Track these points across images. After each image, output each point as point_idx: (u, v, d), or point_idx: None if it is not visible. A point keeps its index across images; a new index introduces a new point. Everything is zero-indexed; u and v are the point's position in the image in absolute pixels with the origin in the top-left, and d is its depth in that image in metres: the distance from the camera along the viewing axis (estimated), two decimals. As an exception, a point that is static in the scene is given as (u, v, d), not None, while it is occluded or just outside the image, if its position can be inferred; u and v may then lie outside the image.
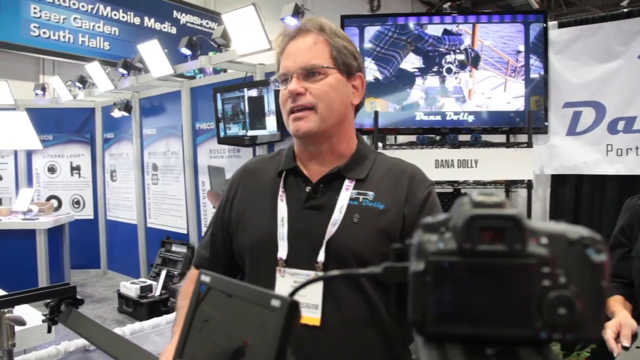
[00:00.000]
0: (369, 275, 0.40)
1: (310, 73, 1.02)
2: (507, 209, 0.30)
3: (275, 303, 0.53)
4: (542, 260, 0.30)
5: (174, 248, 5.04)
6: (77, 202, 6.12)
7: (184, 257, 4.85)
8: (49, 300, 1.55)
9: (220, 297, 0.63)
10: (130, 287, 4.54)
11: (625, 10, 2.79)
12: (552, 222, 0.33)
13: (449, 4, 11.33)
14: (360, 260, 0.99)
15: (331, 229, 1.00)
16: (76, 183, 6.11)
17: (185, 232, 5.02)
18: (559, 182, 2.97)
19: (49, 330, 1.58)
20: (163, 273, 4.74)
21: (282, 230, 1.02)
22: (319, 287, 0.99)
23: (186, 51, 4.00)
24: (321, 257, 0.99)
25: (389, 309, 1.04)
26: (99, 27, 6.79)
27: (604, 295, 0.30)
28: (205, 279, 0.67)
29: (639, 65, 2.70)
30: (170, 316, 2.21)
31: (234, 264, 1.15)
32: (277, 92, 4.11)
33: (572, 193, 2.91)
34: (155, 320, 2.17)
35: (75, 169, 6.09)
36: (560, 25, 2.92)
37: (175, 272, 4.81)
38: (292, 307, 0.52)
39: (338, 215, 1.01)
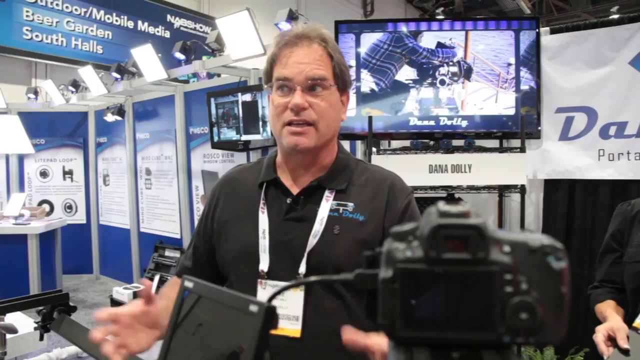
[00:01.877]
0: (342, 281, 0.41)
1: (312, 87, 1.01)
2: (471, 218, 0.31)
3: (253, 308, 0.54)
4: (504, 267, 0.31)
5: (167, 253, 5.01)
6: (70, 207, 6.08)
7: (177, 262, 4.83)
8: (41, 308, 1.54)
9: (202, 302, 0.64)
10: (123, 293, 4.52)
11: (616, 17, 2.83)
12: (517, 230, 0.34)
13: (442, 9, 11.41)
14: (340, 272, 0.98)
15: (312, 241, 1.00)
16: (68, 187, 6.07)
17: (178, 236, 4.99)
18: (552, 187, 2.99)
19: (41, 338, 1.57)
20: (156, 278, 4.71)
21: (264, 243, 1.03)
22: (299, 298, 0.99)
23: (180, 56, 4.00)
24: (302, 268, 1.00)
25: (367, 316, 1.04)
26: (92, 30, 6.77)
27: (564, 300, 0.32)
28: (189, 284, 0.67)
29: (629, 71, 2.73)
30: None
31: (217, 275, 1.14)
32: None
33: (565, 198, 2.93)
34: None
35: (67, 174, 6.05)
36: (553, 31, 2.95)
37: (169, 277, 4.79)
38: (268, 312, 0.53)
39: (319, 226, 1.01)
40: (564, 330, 0.32)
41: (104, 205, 5.98)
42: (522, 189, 2.81)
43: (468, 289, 0.31)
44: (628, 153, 2.74)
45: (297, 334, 0.97)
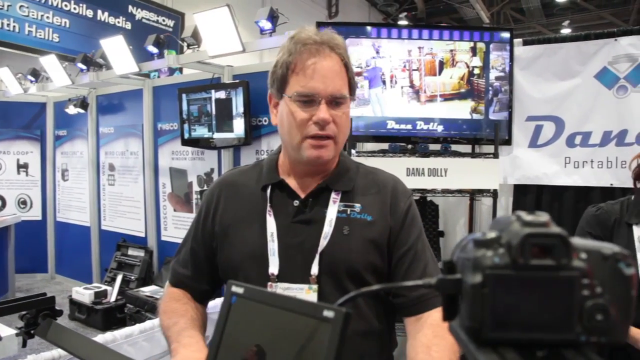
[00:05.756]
0: (426, 287, 0.43)
1: (335, 101, 1.01)
2: (554, 227, 0.34)
3: (328, 314, 0.54)
4: (582, 272, 0.34)
5: (131, 252, 4.85)
6: (24, 202, 5.76)
7: (141, 262, 4.68)
8: (24, 312, 1.46)
9: (257, 309, 0.62)
10: (84, 293, 4.32)
11: (583, 33, 2.99)
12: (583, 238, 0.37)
13: (405, 14, 11.64)
14: (352, 271, 1.02)
15: (323, 242, 1.01)
16: (23, 182, 5.75)
17: (143, 235, 4.85)
18: (521, 192, 3.12)
19: (24, 345, 1.49)
20: (119, 278, 4.55)
21: (273, 246, 1.03)
22: (312, 299, 1.00)
23: (153, 49, 3.88)
24: (314, 270, 1.01)
25: (392, 318, 1.09)
26: (47, 17, 6.41)
27: (632, 303, 0.35)
28: (238, 290, 0.65)
29: (594, 84, 2.89)
30: (144, 325, 2.12)
31: (216, 279, 1.13)
32: (247, 95, 3.98)
33: (533, 202, 3.06)
34: (127, 330, 2.09)
35: (22, 167, 5.73)
36: (525, 43, 3.08)
37: (132, 277, 4.63)
38: (346, 317, 0.54)
39: (328, 228, 1.02)
40: (628, 331, 0.35)
41: (62, 201, 5.71)
42: (494, 194, 2.91)
43: (551, 293, 0.33)
44: (592, 161, 2.90)
45: None
